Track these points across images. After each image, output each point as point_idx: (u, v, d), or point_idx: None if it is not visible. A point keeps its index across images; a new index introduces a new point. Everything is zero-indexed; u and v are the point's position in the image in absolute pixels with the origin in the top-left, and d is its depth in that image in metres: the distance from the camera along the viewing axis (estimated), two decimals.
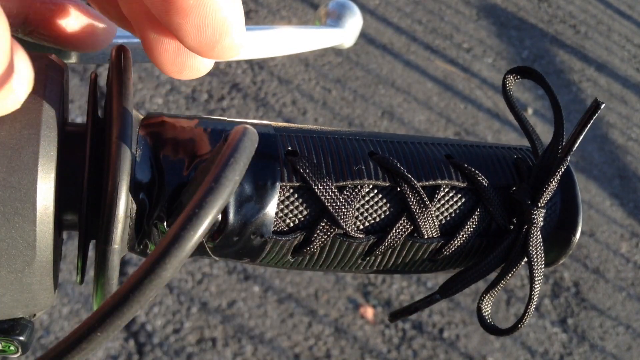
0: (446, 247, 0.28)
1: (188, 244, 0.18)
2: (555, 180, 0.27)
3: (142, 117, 0.26)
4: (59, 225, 0.23)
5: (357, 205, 0.26)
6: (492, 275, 0.30)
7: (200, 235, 0.18)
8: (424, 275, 1.57)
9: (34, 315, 0.24)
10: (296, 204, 0.26)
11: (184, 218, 0.18)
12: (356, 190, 0.26)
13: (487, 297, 0.29)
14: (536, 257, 0.27)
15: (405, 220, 0.27)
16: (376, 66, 2.05)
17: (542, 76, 0.28)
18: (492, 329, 0.29)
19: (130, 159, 0.22)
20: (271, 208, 0.25)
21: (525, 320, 0.28)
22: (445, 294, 0.29)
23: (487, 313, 0.29)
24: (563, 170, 0.27)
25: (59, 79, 0.23)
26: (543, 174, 0.28)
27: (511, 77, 0.30)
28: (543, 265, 0.28)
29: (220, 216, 0.25)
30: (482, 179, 0.28)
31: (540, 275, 0.27)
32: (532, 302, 0.27)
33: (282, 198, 0.25)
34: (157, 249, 0.18)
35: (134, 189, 0.24)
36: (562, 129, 0.28)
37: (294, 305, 1.40)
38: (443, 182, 0.27)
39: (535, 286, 0.27)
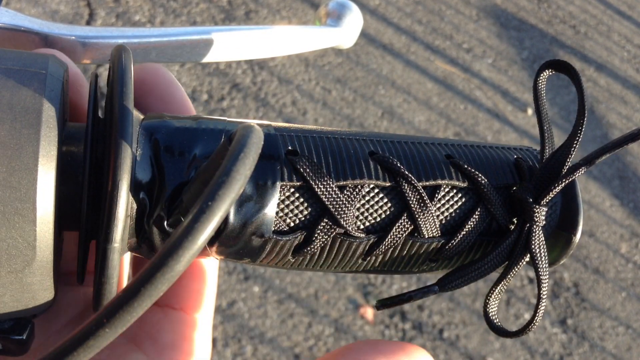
0: (447, 247, 0.28)
1: (201, 237, 0.18)
2: (564, 182, 0.27)
3: (142, 116, 0.26)
4: (59, 225, 0.23)
5: (358, 205, 0.26)
6: (493, 277, 0.29)
7: (213, 228, 0.18)
8: (424, 276, 1.57)
9: (34, 315, 0.24)
10: (297, 203, 0.26)
11: (197, 211, 0.18)
12: (357, 189, 0.26)
13: (492, 298, 0.29)
14: (539, 254, 0.27)
15: (406, 220, 0.27)
16: (376, 66, 2.05)
17: (577, 73, 0.28)
18: (501, 331, 0.28)
19: (130, 158, 0.22)
20: (271, 208, 0.25)
21: (536, 321, 0.27)
22: (444, 287, 0.28)
23: (494, 314, 0.29)
24: (578, 176, 0.27)
25: (59, 78, 0.23)
26: (549, 174, 0.28)
27: (546, 71, 0.29)
28: (547, 264, 0.27)
29: None
30: (482, 179, 0.28)
31: (545, 274, 0.27)
32: (542, 302, 0.27)
33: (283, 198, 0.25)
34: (169, 241, 0.18)
35: (135, 188, 0.24)
36: (580, 134, 0.27)
37: (294, 305, 1.40)
38: (443, 182, 0.27)
39: (543, 285, 0.27)
